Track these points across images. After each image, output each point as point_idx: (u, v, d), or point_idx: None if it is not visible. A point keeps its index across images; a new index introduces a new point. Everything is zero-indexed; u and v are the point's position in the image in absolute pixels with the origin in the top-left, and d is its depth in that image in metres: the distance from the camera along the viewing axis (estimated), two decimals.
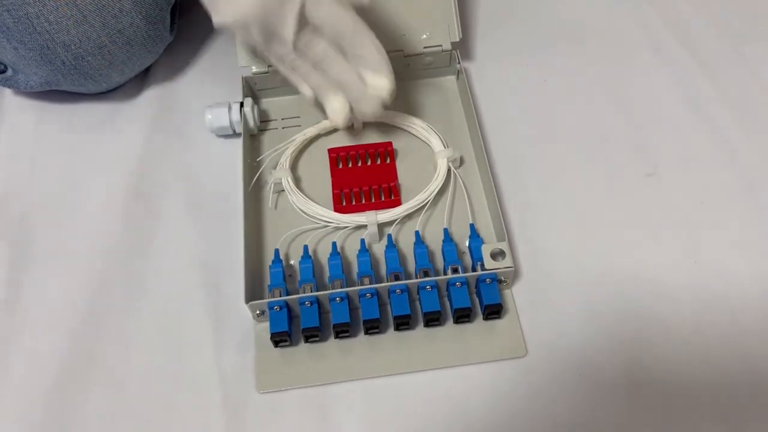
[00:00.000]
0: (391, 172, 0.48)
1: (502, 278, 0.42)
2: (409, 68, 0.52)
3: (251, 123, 0.49)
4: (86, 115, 0.53)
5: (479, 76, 0.54)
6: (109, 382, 0.41)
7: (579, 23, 0.58)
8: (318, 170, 0.49)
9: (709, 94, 0.53)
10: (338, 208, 0.46)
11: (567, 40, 0.57)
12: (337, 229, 0.46)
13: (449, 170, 0.47)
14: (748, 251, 0.45)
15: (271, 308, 0.40)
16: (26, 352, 0.42)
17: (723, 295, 0.43)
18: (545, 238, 0.46)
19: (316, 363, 0.41)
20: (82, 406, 0.40)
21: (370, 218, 0.45)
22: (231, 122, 0.49)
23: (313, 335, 0.41)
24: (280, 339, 0.40)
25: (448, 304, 0.42)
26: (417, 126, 0.50)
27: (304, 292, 0.41)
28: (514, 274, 0.43)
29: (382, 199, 0.47)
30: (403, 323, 0.41)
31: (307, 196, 0.46)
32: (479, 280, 0.41)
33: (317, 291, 0.41)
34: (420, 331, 0.42)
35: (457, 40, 0.51)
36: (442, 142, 0.48)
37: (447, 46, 0.51)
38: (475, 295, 0.42)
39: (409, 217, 0.46)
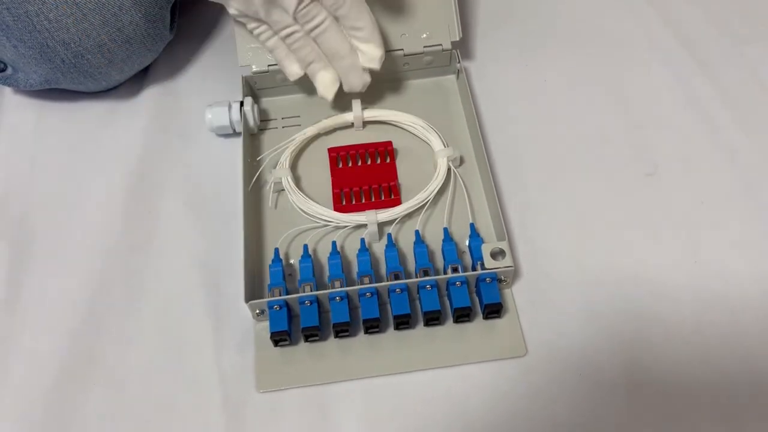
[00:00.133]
0: (391, 172, 0.48)
1: (502, 278, 0.42)
2: (409, 67, 0.52)
3: (251, 122, 0.49)
4: (86, 113, 0.53)
5: (479, 76, 0.54)
6: (109, 382, 0.41)
7: (579, 23, 0.58)
8: (318, 169, 0.49)
9: (709, 94, 0.53)
10: (338, 207, 0.46)
11: (567, 40, 0.57)
12: (337, 228, 0.46)
13: (449, 169, 0.47)
14: (748, 251, 0.45)
15: (270, 307, 0.40)
16: (26, 352, 0.42)
17: (723, 295, 0.43)
18: (545, 238, 0.46)
19: (316, 362, 0.41)
20: (82, 406, 0.40)
21: (370, 217, 0.45)
22: (231, 121, 0.49)
23: (312, 334, 0.41)
24: (279, 338, 0.40)
25: (448, 303, 0.42)
26: (417, 125, 0.50)
27: (304, 292, 0.41)
28: (514, 273, 0.43)
29: (382, 198, 0.47)
30: (403, 322, 0.41)
31: (307, 196, 0.46)
32: (479, 280, 0.41)
33: (317, 290, 0.41)
34: (420, 331, 0.42)
35: (457, 39, 0.51)
36: (442, 141, 0.48)
37: (447, 45, 0.51)
38: (475, 295, 0.42)
39: (409, 216, 0.46)
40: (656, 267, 0.44)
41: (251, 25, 0.44)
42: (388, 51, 0.50)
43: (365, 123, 0.50)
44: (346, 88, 0.47)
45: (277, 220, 0.47)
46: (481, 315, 0.42)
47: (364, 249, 0.44)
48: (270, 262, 0.43)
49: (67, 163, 0.50)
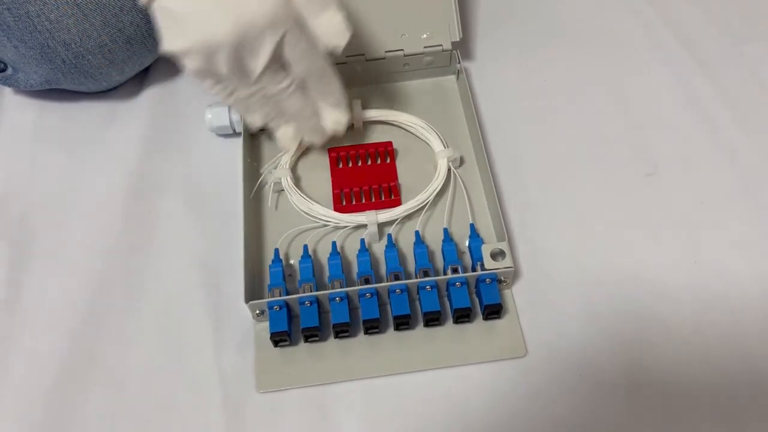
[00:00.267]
0: (391, 172, 0.48)
1: (502, 278, 0.42)
2: (409, 68, 0.52)
3: None
4: (86, 114, 0.53)
5: (479, 76, 0.54)
6: (109, 382, 0.41)
7: (579, 23, 0.58)
8: (318, 170, 0.49)
9: (709, 94, 0.53)
10: (338, 207, 0.46)
11: (567, 40, 0.57)
12: (337, 228, 0.46)
13: (449, 170, 0.47)
14: (748, 251, 0.45)
15: (270, 308, 0.40)
16: (26, 352, 0.42)
17: (723, 295, 0.43)
18: (545, 238, 0.46)
19: (316, 363, 0.41)
20: (82, 406, 0.40)
21: (370, 218, 0.45)
22: (231, 121, 0.49)
23: (312, 335, 0.41)
24: (279, 339, 0.40)
25: (447, 304, 0.42)
26: (417, 126, 0.50)
27: (304, 292, 0.41)
28: (514, 274, 0.43)
29: (382, 198, 0.47)
30: (403, 323, 0.41)
31: (307, 196, 0.46)
32: (479, 280, 0.41)
33: (317, 291, 0.41)
34: (420, 331, 0.42)
35: (458, 39, 0.51)
36: (442, 141, 0.48)
37: (447, 45, 0.51)
38: (474, 295, 0.42)
39: (409, 216, 0.46)
40: (656, 267, 0.44)
41: (208, 82, 0.39)
42: (389, 51, 0.50)
43: (365, 123, 0.50)
44: (306, 143, 0.47)
45: (277, 220, 0.47)
46: (481, 316, 0.42)
47: (364, 249, 0.44)
48: (270, 262, 0.43)
49: (67, 163, 0.50)
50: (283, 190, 0.47)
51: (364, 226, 0.45)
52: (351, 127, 0.50)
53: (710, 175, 0.48)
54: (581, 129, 0.51)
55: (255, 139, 0.50)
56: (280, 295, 0.41)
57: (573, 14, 0.59)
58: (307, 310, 0.40)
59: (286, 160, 0.48)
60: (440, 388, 0.40)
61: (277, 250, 0.44)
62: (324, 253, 0.45)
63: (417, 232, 0.45)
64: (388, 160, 0.48)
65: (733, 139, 0.50)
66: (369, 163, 0.48)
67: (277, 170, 0.47)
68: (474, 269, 0.43)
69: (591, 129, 0.51)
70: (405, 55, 0.51)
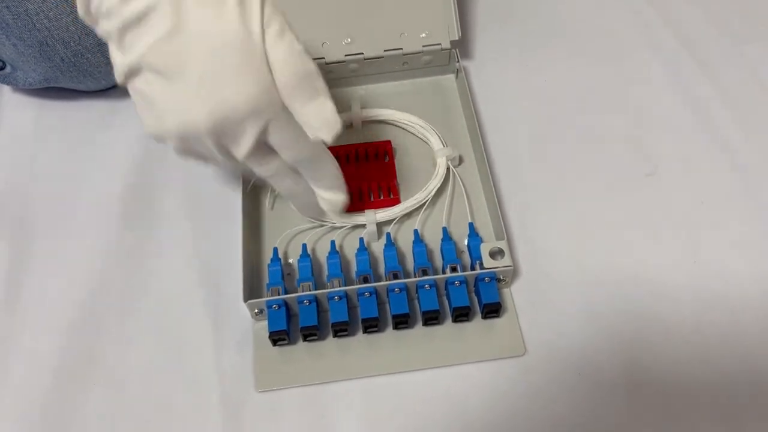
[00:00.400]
0: (390, 171, 0.48)
1: (501, 277, 0.42)
2: (408, 67, 0.52)
3: None
4: (86, 112, 0.53)
5: (478, 75, 0.54)
6: (109, 382, 0.41)
7: (579, 23, 0.58)
8: None
9: (708, 94, 0.52)
10: None
11: (567, 40, 0.57)
12: (336, 227, 0.46)
13: (448, 169, 0.47)
14: (748, 251, 0.44)
15: (269, 307, 0.40)
16: (26, 352, 0.42)
17: (723, 295, 0.43)
18: (545, 237, 0.45)
19: (315, 362, 0.41)
20: (82, 406, 0.40)
21: (368, 217, 0.45)
22: None
23: (311, 334, 0.41)
24: (278, 338, 0.40)
25: (446, 302, 0.42)
26: (416, 125, 0.50)
27: (303, 291, 0.41)
28: (513, 273, 0.43)
29: (381, 197, 0.46)
30: (402, 322, 0.41)
31: None
32: (478, 279, 0.41)
33: (316, 290, 0.41)
34: (419, 330, 0.42)
35: (457, 38, 0.51)
36: (441, 140, 0.48)
37: (446, 44, 0.51)
38: (473, 294, 0.42)
39: (408, 215, 0.46)
40: (656, 267, 0.44)
41: (193, 159, 0.36)
42: (387, 50, 0.50)
43: (364, 122, 0.50)
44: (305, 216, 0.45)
45: (276, 219, 0.46)
46: (480, 314, 0.42)
47: (363, 248, 0.44)
48: (269, 261, 0.43)
49: (66, 162, 0.50)
50: None
51: (363, 225, 0.45)
52: (350, 126, 0.50)
53: (710, 175, 0.48)
54: (581, 129, 0.51)
55: None
56: (278, 294, 0.41)
57: (573, 14, 0.59)
58: (306, 309, 0.40)
59: None
60: (439, 387, 0.40)
61: (276, 249, 0.44)
62: (323, 252, 0.45)
63: (416, 231, 0.45)
64: (387, 159, 0.48)
65: (733, 140, 0.50)
66: (368, 162, 0.48)
67: None
68: (473, 268, 0.43)
69: (591, 129, 0.51)
70: (404, 54, 0.51)
